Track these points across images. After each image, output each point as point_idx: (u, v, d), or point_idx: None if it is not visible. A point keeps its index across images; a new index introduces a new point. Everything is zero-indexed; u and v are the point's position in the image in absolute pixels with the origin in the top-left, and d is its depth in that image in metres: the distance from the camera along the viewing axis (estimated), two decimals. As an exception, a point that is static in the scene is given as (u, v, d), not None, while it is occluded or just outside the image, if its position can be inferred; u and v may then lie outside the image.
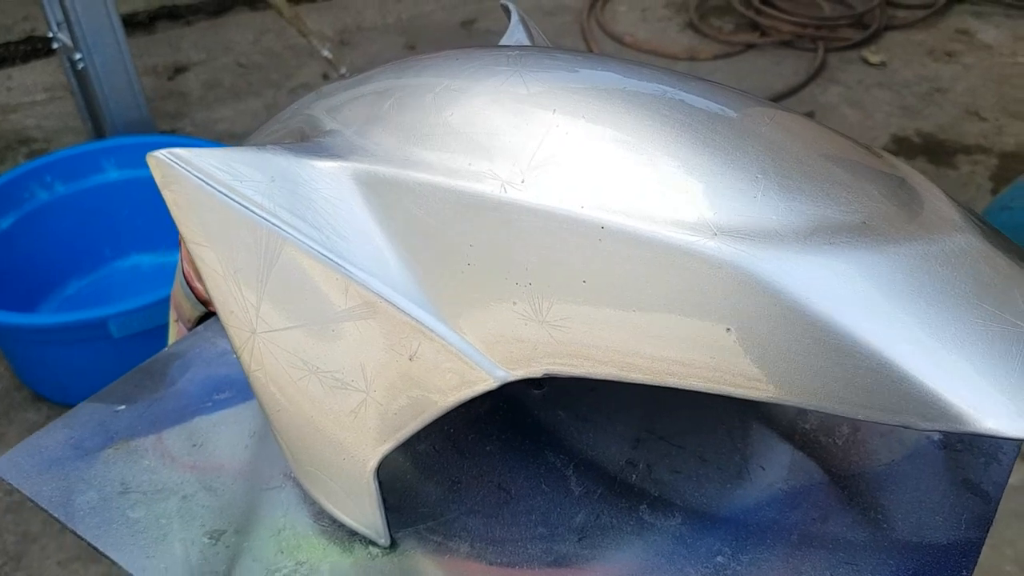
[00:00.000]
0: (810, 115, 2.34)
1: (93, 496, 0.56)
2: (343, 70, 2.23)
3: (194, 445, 0.59)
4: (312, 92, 0.62)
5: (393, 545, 0.53)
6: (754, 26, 2.89)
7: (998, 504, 0.54)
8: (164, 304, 1.32)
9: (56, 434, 0.60)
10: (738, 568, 0.51)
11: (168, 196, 0.50)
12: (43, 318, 1.59)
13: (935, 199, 0.44)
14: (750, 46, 2.80)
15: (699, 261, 0.40)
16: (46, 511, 0.55)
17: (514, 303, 0.45)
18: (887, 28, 2.92)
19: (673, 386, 0.43)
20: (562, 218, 0.43)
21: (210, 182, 0.49)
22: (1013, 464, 0.57)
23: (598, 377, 0.44)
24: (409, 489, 0.56)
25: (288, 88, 2.60)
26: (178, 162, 0.49)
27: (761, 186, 0.41)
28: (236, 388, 0.63)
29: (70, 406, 0.62)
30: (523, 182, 0.44)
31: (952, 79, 2.65)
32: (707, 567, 0.51)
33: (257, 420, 0.61)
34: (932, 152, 2.29)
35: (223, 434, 0.60)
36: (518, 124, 0.46)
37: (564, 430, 0.60)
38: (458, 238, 0.46)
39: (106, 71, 1.81)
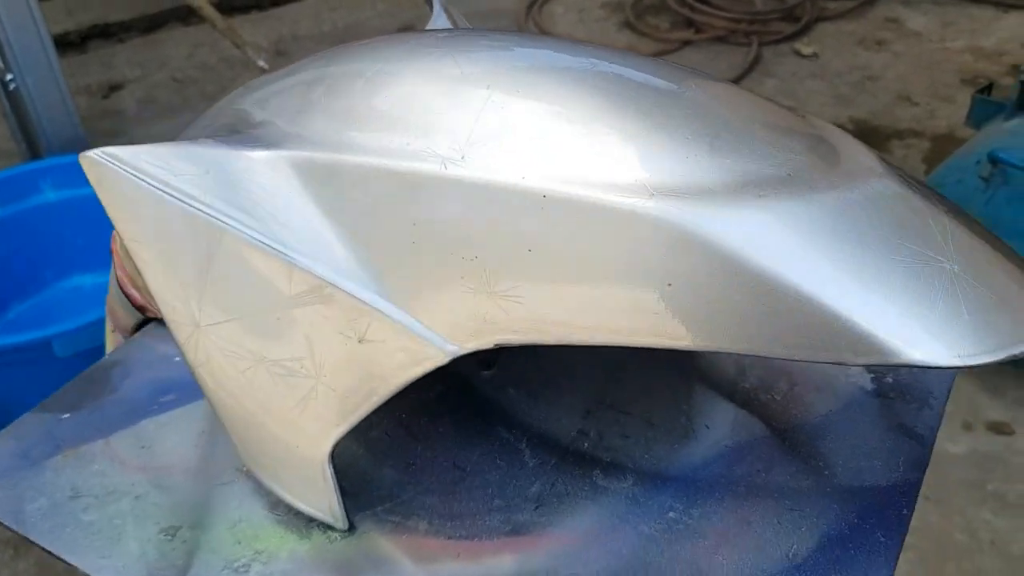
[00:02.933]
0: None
1: (44, 503, 0.55)
2: None
3: (142, 447, 0.59)
4: (240, 87, 0.62)
5: (351, 528, 0.53)
6: (689, 23, 2.95)
7: (932, 446, 0.56)
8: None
9: (3, 446, 0.59)
10: (690, 522, 0.52)
11: (103, 196, 0.50)
12: (-14, 340, 1.56)
13: (855, 150, 0.46)
14: (686, 43, 2.86)
15: (638, 221, 0.42)
16: (-4, 521, 0.54)
17: (461, 277, 0.46)
18: (818, 20, 3.00)
19: (622, 344, 0.44)
20: (504, 190, 0.44)
21: (145, 178, 0.49)
22: (944, 408, 0.59)
23: (549, 343, 0.45)
24: (364, 474, 0.56)
25: (225, 101, 2.62)
26: (111, 160, 0.49)
27: (692, 147, 0.43)
28: (181, 390, 0.63)
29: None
30: (463, 158, 0.45)
31: (883, 67, 2.71)
32: (660, 523, 0.52)
33: (205, 419, 0.61)
34: (866, 138, 2.34)
35: (171, 435, 0.60)
36: (453, 102, 0.47)
37: (515, 406, 0.61)
38: (401, 217, 0.47)
39: (39, 91, 1.83)
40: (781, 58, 2.79)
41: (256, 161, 0.50)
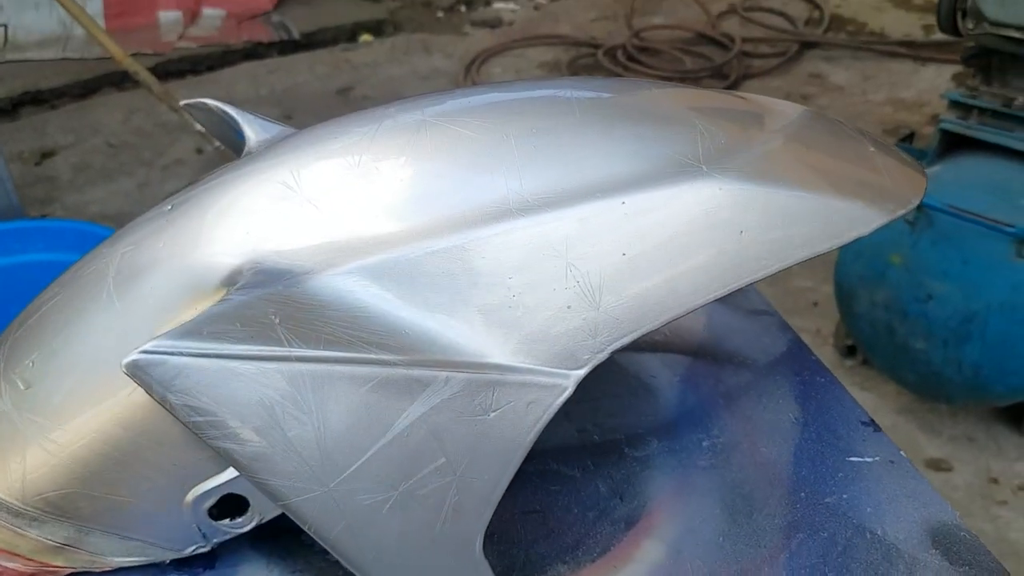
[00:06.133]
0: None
1: None
2: (217, 143, 2.08)
3: None
4: (112, 243, 0.52)
5: (514, 610, 0.51)
6: (623, 82, 2.94)
7: (778, 313, 0.74)
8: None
9: None
10: (721, 440, 0.62)
11: (179, 398, 0.40)
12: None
13: (780, 103, 0.59)
14: (621, 101, 2.87)
15: (705, 190, 0.50)
16: None
17: (568, 307, 0.48)
18: (745, 76, 3.08)
19: (714, 299, 0.51)
20: (587, 210, 0.48)
21: (229, 351, 0.41)
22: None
23: (655, 328, 0.50)
24: (464, 567, 0.54)
25: (160, 165, 2.59)
26: (181, 350, 0.40)
27: (699, 123, 0.52)
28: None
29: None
30: (527, 201, 0.48)
31: (809, 121, 2.85)
32: (708, 452, 0.61)
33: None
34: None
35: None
36: (481, 156, 0.49)
37: (511, 442, 0.62)
38: (496, 278, 0.47)
39: (-31, 160, 1.74)
40: (718, 115, 2.89)
41: (320, 289, 0.45)
